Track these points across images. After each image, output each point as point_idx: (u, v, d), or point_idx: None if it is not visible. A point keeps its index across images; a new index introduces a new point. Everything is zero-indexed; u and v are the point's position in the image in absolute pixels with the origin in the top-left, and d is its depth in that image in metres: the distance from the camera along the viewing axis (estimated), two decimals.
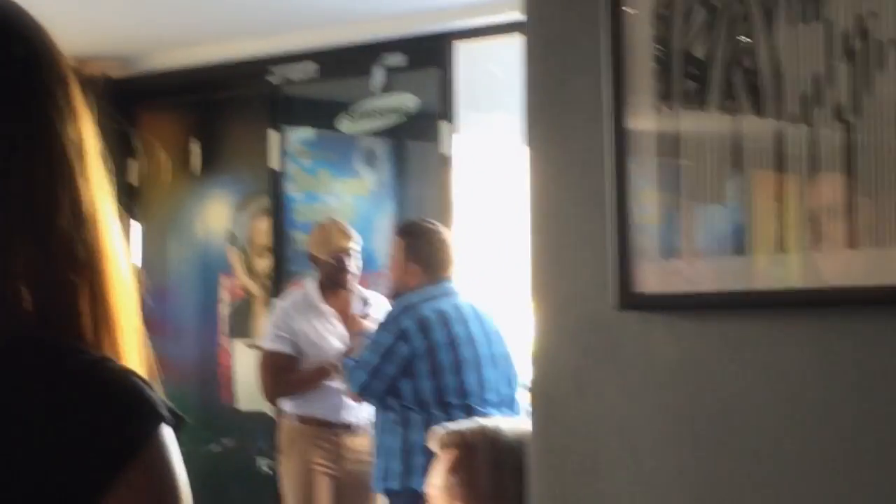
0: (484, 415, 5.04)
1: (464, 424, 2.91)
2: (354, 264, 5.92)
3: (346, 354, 5.67)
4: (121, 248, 1.20)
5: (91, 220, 1.17)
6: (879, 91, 1.68)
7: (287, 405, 5.98)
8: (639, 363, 1.89)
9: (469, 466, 2.72)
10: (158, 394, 1.14)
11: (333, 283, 5.91)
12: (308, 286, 6.00)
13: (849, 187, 1.70)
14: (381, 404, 5.24)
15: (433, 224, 5.55)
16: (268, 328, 6.00)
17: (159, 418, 1.11)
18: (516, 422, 2.92)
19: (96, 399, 1.10)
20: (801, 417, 1.78)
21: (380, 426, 5.28)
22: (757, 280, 1.79)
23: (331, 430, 5.84)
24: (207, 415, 7.04)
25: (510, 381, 5.31)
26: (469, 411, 5.06)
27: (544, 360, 1.98)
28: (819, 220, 1.74)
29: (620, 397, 1.90)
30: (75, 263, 1.15)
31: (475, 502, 2.69)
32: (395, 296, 5.45)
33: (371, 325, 5.67)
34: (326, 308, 5.89)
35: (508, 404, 5.24)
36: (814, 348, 1.77)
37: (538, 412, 1.99)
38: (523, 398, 5.37)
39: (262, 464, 7.01)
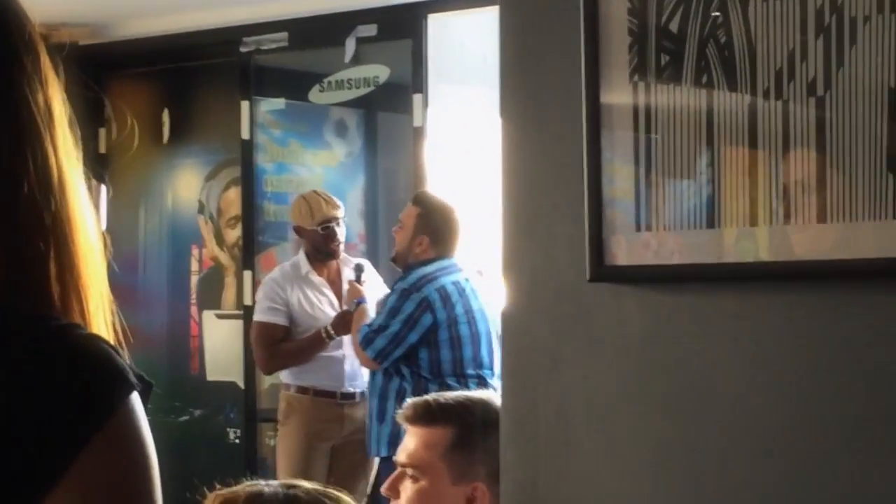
0: (493, 386, 5.11)
1: (446, 397, 2.82)
2: (341, 233, 5.94)
3: (341, 321, 5.69)
4: (89, 216, 1.20)
5: (59, 188, 1.17)
6: (851, 67, 1.69)
7: (287, 376, 6.00)
8: (611, 335, 1.90)
9: (476, 442, 2.63)
10: (126, 360, 1.14)
11: (323, 252, 5.92)
12: (298, 257, 6.02)
13: (820, 162, 1.72)
14: (392, 370, 5.29)
15: (446, 199, 5.60)
16: (260, 301, 6.01)
17: (128, 384, 1.11)
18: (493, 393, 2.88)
19: (65, 365, 1.09)
20: (770, 388, 1.80)
21: (384, 393, 5.32)
22: (728, 253, 1.81)
23: (330, 400, 5.88)
24: (177, 385, 7.04)
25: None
26: (482, 382, 5.17)
27: (516, 332, 1.99)
28: (790, 194, 1.75)
29: (592, 369, 1.92)
30: (43, 231, 1.15)
31: (488, 480, 2.59)
32: (399, 261, 5.50)
33: (368, 291, 5.71)
34: (317, 278, 5.91)
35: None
36: (783, 320, 1.78)
37: (509, 383, 2.00)
38: None
39: (232, 434, 7.02)
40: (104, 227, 1.26)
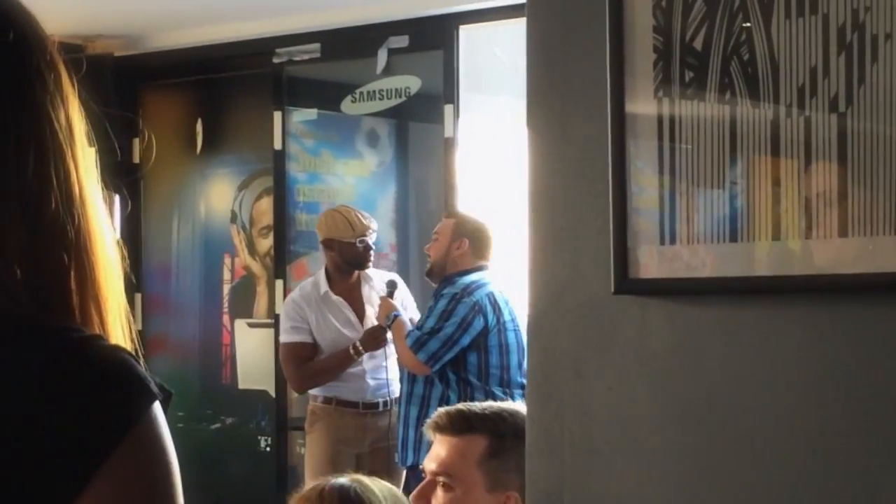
0: None
1: (476, 408, 2.82)
2: (374, 248, 6.00)
3: (371, 337, 5.72)
4: (107, 229, 1.24)
5: (80, 202, 1.20)
6: (873, 83, 1.72)
7: (314, 389, 6.06)
8: (635, 347, 1.93)
9: (511, 450, 2.64)
10: (146, 370, 1.17)
11: (354, 265, 5.96)
12: (316, 277, 6.07)
13: (842, 176, 1.74)
14: (436, 376, 5.31)
15: (480, 214, 5.68)
16: (283, 322, 6.07)
17: (151, 394, 1.14)
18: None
19: (89, 376, 1.12)
20: (795, 400, 1.82)
21: (425, 401, 5.34)
22: (752, 266, 1.83)
23: (353, 409, 5.93)
24: (209, 393, 7.09)
25: None
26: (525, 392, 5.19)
27: (542, 343, 2.02)
28: (812, 208, 1.77)
29: (617, 380, 1.94)
30: (66, 244, 1.18)
31: (521, 490, 2.60)
32: (436, 272, 5.53)
33: (398, 304, 5.74)
34: (336, 297, 5.96)
35: None
36: (806, 333, 1.80)
37: (535, 393, 2.03)
38: None
39: (262, 442, 7.06)
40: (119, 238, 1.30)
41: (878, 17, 1.71)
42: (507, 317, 5.33)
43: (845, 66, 1.73)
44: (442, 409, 2.83)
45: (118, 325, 1.22)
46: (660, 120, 1.89)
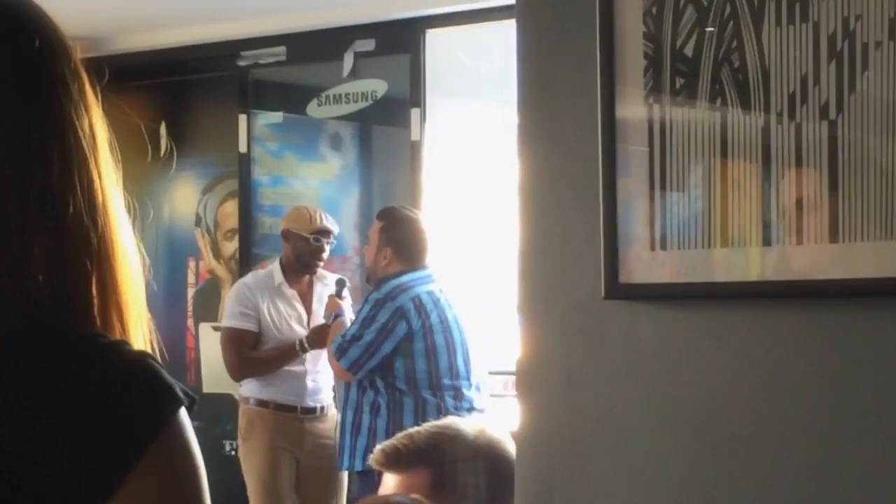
0: (469, 398, 5.13)
1: (416, 440, 2.75)
2: (327, 252, 5.96)
3: (317, 335, 5.70)
4: (129, 237, 1.24)
5: (102, 210, 1.21)
6: (863, 91, 1.74)
7: (246, 390, 5.99)
8: (625, 351, 1.94)
9: (448, 485, 2.61)
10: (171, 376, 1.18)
11: (303, 264, 5.94)
12: (272, 267, 6.03)
13: (832, 184, 1.76)
14: (367, 382, 5.28)
15: (412, 211, 5.62)
16: (230, 306, 6.01)
17: (177, 400, 1.15)
18: (473, 420, 2.86)
19: (116, 382, 1.13)
20: (782, 404, 1.84)
21: (358, 406, 5.33)
22: (742, 271, 1.85)
23: (292, 414, 5.87)
24: None
25: (479, 367, 5.41)
26: (458, 393, 5.17)
27: (532, 348, 2.03)
28: (803, 215, 1.79)
29: (607, 384, 1.95)
30: (90, 251, 1.19)
31: None
32: (370, 278, 5.51)
33: (348, 306, 5.73)
34: (289, 290, 5.92)
35: (478, 388, 5.35)
36: (795, 338, 1.82)
37: (525, 399, 2.04)
38: (486, 382, 5.46)
39: (228, 445, 7.05)
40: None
41: (869, 26, 1.73)
42: (434, 319, 5.28)
43: (836, 74, 1.75)
44: (378, 447, 2.74)
45: (139, 331, 1.22)
46: (650, 126, 1.90)
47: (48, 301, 1.16)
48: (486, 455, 2.59)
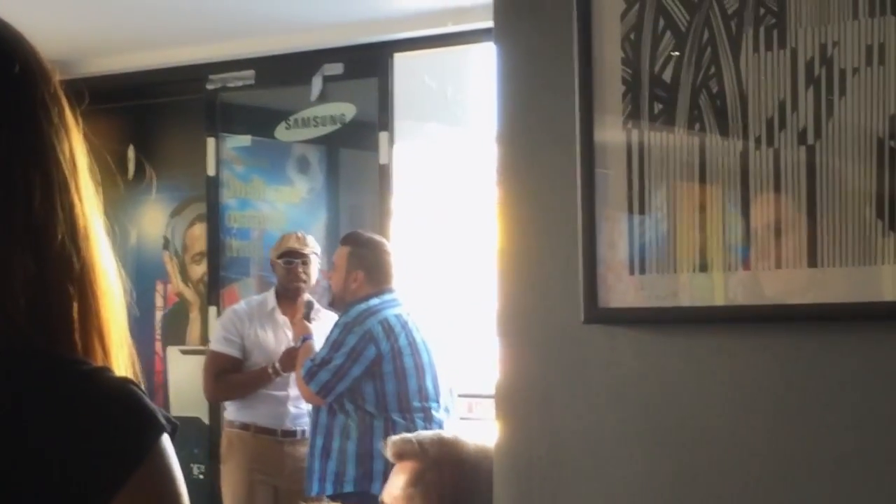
0: (438, 420, 5.14)
1: (423, 435, 2.90)
2: (305, 271, 5.96)
3: (288, 358, 5.70)
4: (111, 262, 1.24)
5: (84, 234, 1.20)
6: (841, 116, 1.75)
7: (229, 412, 6.00)
8: (604, 375, 1.95)
9: (430, 480, 2.72)
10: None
11: (284, 287, 5.96)
12: (267, 293, 6.05)
13: (810, 209, 1.78)
14: (337, 406, 5.27)
15: (375, 235, 5.63)
16: (216, 330, 6.04)
17: (159, 426, 1.14)
18: (476, 433, 2.93)
19: (98, 409, 1.12)
20: (758, 425, 1.85)
21: (328, 430, 5.31)
22: (718, 296, 1.86)
23: (272, 438, 5.87)
24: None
25: (448, 389, 5.42)
26: (428, 415, 5.17)
27: (511, 371, 2.03)
28: (781, 239, 1.81)
29: (586, 408, 1.96)
30: (71, 275, 1.18)
31: None
32: (337, 303, 5.50)
33: (314, 328, 5.72)
34: (281, 317, 5.93)
35: (447, 410, 5.36)
36: (771, 361, 1.84)
37: (504, 421, 2.04)
38: (456, 405, 5.47)
39: (196, 469, 7.01)
40: None
41: (846, 52, 1.75)
42: (403, 341, 5.28)
43: (814, 100, 1.77)
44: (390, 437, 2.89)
45: (121, 357, 1.22)
46: (629, 151, 1.91)
47: (30, 326, 1.15)
48: (470, 464, 2.65)
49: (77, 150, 1.22)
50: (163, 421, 1.15)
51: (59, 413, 1.11)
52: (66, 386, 1.13)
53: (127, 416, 1.13)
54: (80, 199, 1.20)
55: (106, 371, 1.17)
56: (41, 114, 1.19)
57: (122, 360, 1.22)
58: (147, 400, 1.15)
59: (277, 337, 5.91)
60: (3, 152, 1.17)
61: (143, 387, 1.19)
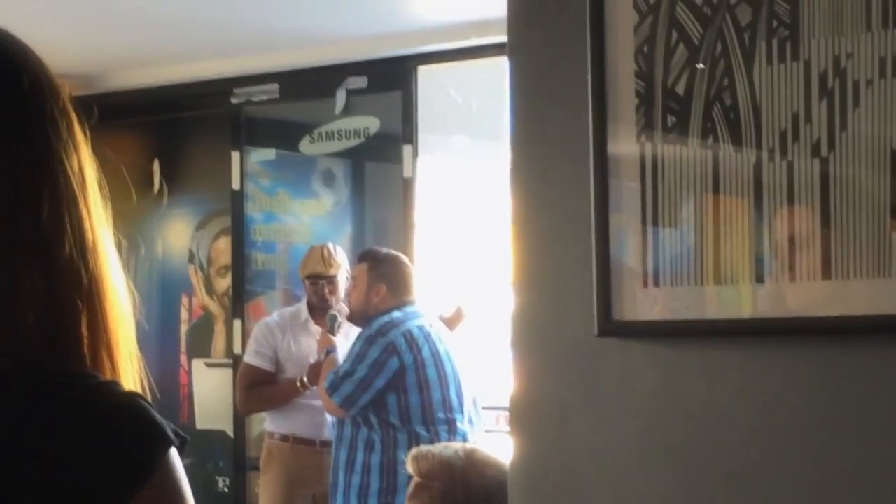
0: (462, 431, 5.13)
1: (448, 451, 2.87)
2: (332, 290, 5.97)
3: (313, 371, 5.71)
4: (119, 275, 1.24)
5: (92, 248, 1.20)
6: (854, 128, 1.75)
7: (268, 424, 6.03)
8: (618, 389, 1.94)
9: (451, 499, 2.69)
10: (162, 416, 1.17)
11: (313, 303, 5.98)
12: (300, 304, 6.07)
13: (824, 222, 1.77)
14: (360, 419, 5.27)
15: (392, 251, 5.65)
16: (249, 342, 6.07)
17: (167, 440, 1.15)
18: (500, 445, 2.92)
19: (106, 423, 1.12)
20: (774, 440, 1.84)
21: (352, 442, 5.31)
22: (735, 308, 1.85)
23: (311, 448, 5.90)
24: None
25: (472, 400, 5.41)
26: (452, 426, 5.17)
27: (525, 384, 2.03)
28: (795, 252, 1.80)
29: (600, 422, 1.95)
30: (79, 289, 1.18)
31: None
32: (357, 318, 5.51)
33: (339, 340, 5.73)
34: (314, 327, 5.94)
35: (471, 421, 5.35)
36: (789, 375, 1.83)
37: (519, 435, 2.04)
38: (481, 416, 5.46)
39: (220, 482, 7.02)
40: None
41: (859, 64, 1.74)
42: (426, 353, 5.28)
43: (827, 112, 1.76)
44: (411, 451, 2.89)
45: (130, 370, 1.22)
46: (642, 163, 1.91)
47: (39, 340, 1.15)
48: (495, 484, 2.65)
49: (86, 164, 1.22)
50: (171, 435, 1.15)
51: (67, 427, 1.11)
52: (74, 400, 1.13)
53: (135, 429, 1.13)
54: (89, 213, 1.20)
55: (114, 385, 1.17)
56: (50, 128, 1.20)
57: (130, 373, 1.23)
58: (155, 414, 1.15)
59: (312, 348, 5.92)
60: (11, 166, 1.17)
61: (151, 400, 1.19)
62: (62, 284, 1.18)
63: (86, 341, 1.18)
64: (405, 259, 5.53)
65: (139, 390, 1.22)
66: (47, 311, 1.16)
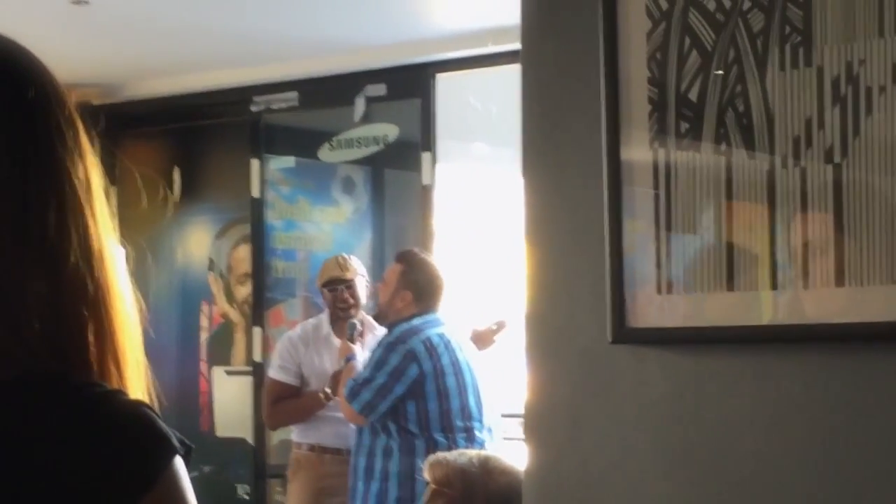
0: (481, 439, 5.14)
1: (463, 458, 2.87)
2: (352, 294, 5.98)
3: (335, 381, 5.72)
4: (125, 284, 1.24)
5: (98, 257, 1.21)
6: (867, 134, 1.74)
7: (295, 434, 6.05)
8: (632, 396, 1.94)
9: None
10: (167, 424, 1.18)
11: (334, 312, 5.99)
12: (321, 316, 6.08)
13: (837, 228, 1.76)
14: (379, 426, 5.28)
15: (429, 255, 5.64)
16: (273, 357, 6.09)
17: (172, 449, 1.15)
18: (515, 458, 2.93)
19: (111, 432, 1.13)
20: (789, 448, 1.83)
21: (370, 449, 5.32)
22: (749, 315, 1.85)
23: (338, 457, 5.91)
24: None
25: (491, 409, 5.41)
26: (470, 434, 5.17)
27: (539, 392, 2.03)
28: (808, 259, 1.80)
29: (614, 429, 1.95)
30: (85, 298, 1.19)
31: None
32: (381, 317, 5.52)
33: (360, 348, 5.74)
34: (337, 340, 5.95)
35: (490, 429, 5.35)
36: (803, 382, 1.82)
37: (533, 443, 2.03)
38: (501, 425, 5.46)
39: (241, 490, 7.04)
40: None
41: (872, 70, 1.73)
42: (446, 361, 5.28)
43: (840, 118, 1.76)
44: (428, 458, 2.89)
45: (136, 379, 1.22)
46: (655, 170, 1.91)
47: (44, 349, 1.16)
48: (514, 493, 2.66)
49: (92, 173, 1.23)
50: (176, 443, 1.15)
51: (73, 435, 1.12)
52: (80, 409, 1.14)
53: (140, 438, 1.14)
54: (95, 222, 1.21)
55: (120, 394, 1.18)
56: (56, 138, 1.20)
57: (137, 382, 1.23)
58: (160, 422, 1.16)
59: (332, 360, 5.93)
60: (17, 175, 1.18)
61: (156, 408, 1.19)
62: (68, 293, 1.18)
63: (92, 350, 1.18)
64: (439, 269, 5.52)
65: (146, 398, 1.22)
66: (53, 320, 1.17)
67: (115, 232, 1.24)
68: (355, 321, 5.94)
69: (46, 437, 1.11)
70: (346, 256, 6.09)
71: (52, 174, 1.19)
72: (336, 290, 5.95)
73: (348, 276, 5.98)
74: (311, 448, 5.96)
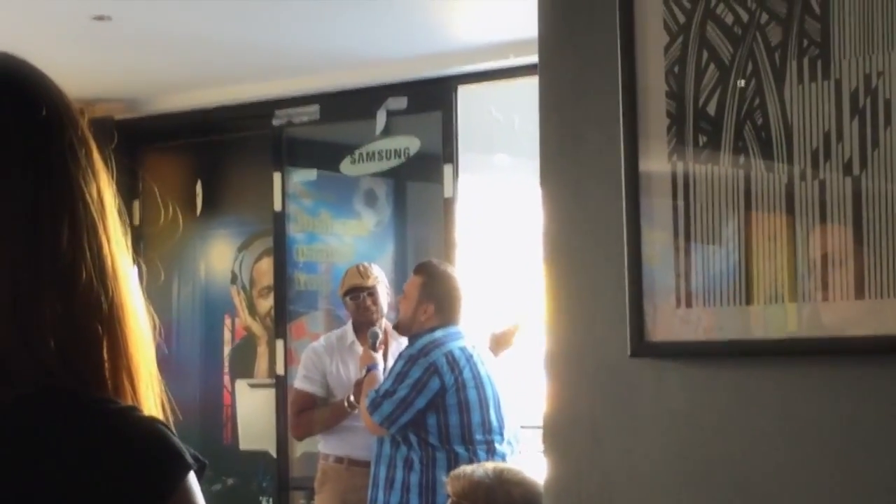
0: (501, 453, 5.14)
1: (479, 471, 2.88)
2: (374, 301, 5.98)
3: (357, 389, 5.73)
4: (139, 301, 1.25)
5: (112, 274, 1.21)
6: (886, 146, 1.74)
7: (322, 446, 6.05)
8: (652, 409, 1.94)
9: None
10: (180, 440, 1.18)
11: (359, 322, 6.00)
12: (346, 327, 6.09)
13: (856, 240, 1.76)
14: (400, 438, 5.28)
15: (449, 268, 5.65)
16: (299, 368, 6.09)
17: (186, 465, 1.16)
18: (533, 470, 2.93)
19: (124, 449, 1.14)
20: (813, 461, 1.82)
21: (391, 460, 5.32)
22: (765, 329, 1.84)
23: (365, 469, 5.92)
24: (209, 454, 7.01)
25: (512, 422, 5.41)
26: (491, 447, 5.17)
27: (559, 405, 2.03)
28: (827, 271, 1.79)
29: (634, 443, 1.95)
30: (99, 315, 1.20)
31: None
32: (402, 330, 5.52)
33: (381, 356, 5.75)
34: (361, 349, 5.96)
35: (511, 443, 5.35)
36: (824, 395, 1.82)
37: (553, 456, 2.03)
38: (521, 438, 5.46)
39: (264, 502, 7.04)
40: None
41: (891, 82, 1.73)
42: (467, 374, 5.28)
43: (859, 130, 1.76)
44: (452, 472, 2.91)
45: (150, 394, 1.23)
46: (674, 183, 1.91)
47: (59, 366, 1.17)
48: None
49: (105, 190, 1.24)
50: (189, 459, 1.16)
51: (87, 452, 1.13)
52: (93, 425, 1.14)
53: (154, 454, 1.15)
54: (108, 240, 1.22)
55: (134, 410, 1.19)
56: (69, 156, 1.21)
57: (151, 397, 1.24)
58: (174, 438, 1.17)
59: (358, 370, 5.93)
60: (31, 194, 1.19)
61: (170, 424, 1.20)
62: (82, 310, 1.19)
63: (106, 366, 1.19)
64: (459, 281, 5.53)
65: (159, 414, 1.23)
66: (68, 338, 1.18)
67: (129, 249, 1.25)
68: (377, 329, 5.95)
69: (61, 453, 1.12)
70: (366, 265, 6.09)
71: (66, 193, 1.20)
72: (358, 298, 5.95)
73: (369, 283, 5.99)
74: (339, 460, 5.96)
